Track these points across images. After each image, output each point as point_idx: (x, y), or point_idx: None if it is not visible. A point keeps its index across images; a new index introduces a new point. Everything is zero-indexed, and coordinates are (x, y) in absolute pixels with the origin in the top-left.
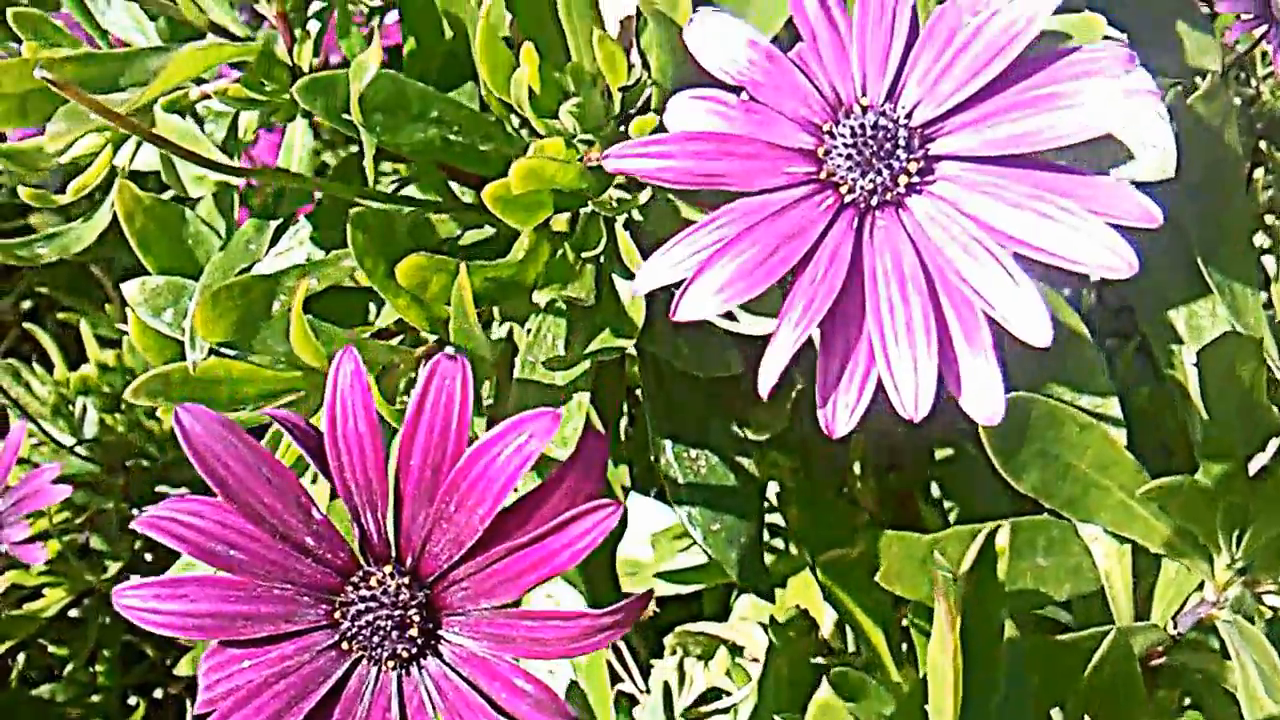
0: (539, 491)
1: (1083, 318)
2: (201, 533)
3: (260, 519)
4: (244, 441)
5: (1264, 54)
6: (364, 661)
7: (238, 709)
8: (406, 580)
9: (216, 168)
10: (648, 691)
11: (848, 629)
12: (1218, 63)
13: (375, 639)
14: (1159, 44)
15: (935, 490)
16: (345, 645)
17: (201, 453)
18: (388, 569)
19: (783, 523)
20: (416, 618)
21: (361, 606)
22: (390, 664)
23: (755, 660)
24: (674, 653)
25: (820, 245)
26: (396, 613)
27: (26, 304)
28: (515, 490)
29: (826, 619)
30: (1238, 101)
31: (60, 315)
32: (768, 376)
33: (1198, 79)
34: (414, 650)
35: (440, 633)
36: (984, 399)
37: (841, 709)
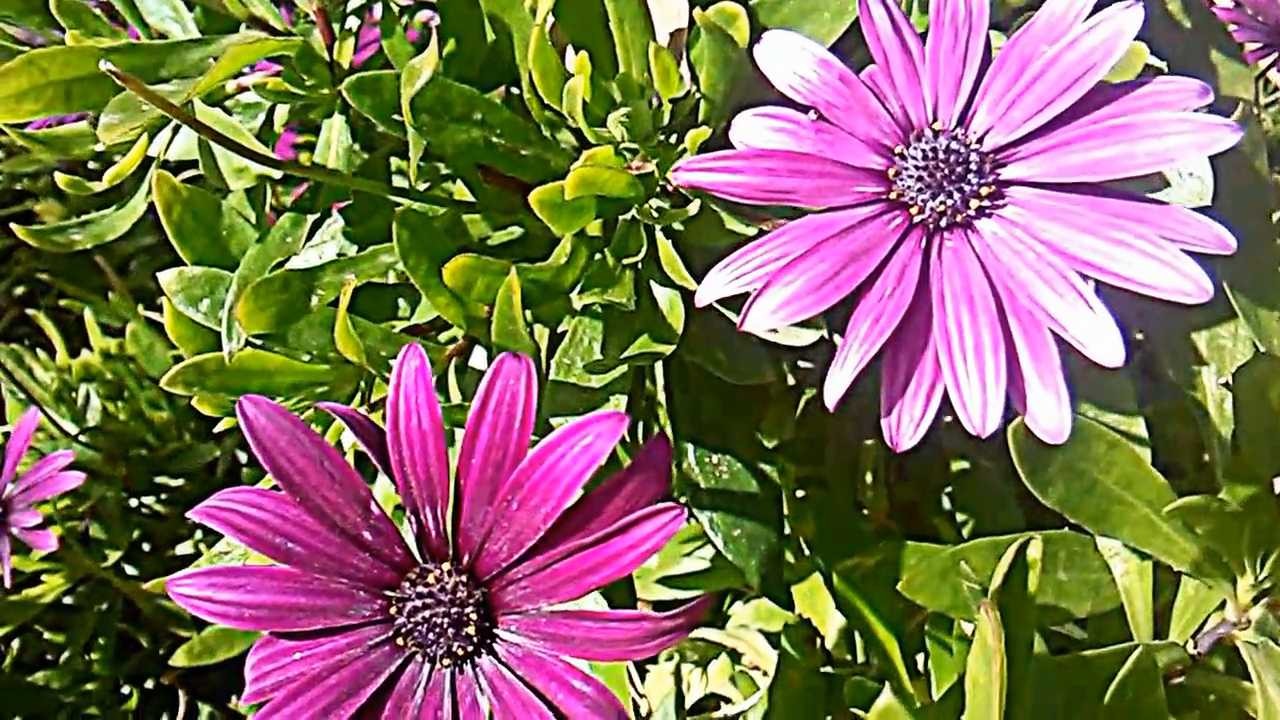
0: (602, 493)
1: None
2: (260, 524)
3: (320, 512)
4: (306, 434)
5: (1268, 83)
6: (417, 658)
7: (289, 701)
8: (464, 578)
9: (265, 161)
10: (644, 696)
11: (856, 639)
12: (1250, 91)
13: (431, 635)
14: (1192, 72)
15: (945, 503)
16: (400, 641)
17: (265, 444)
18: (445, 566)
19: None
20: (474, 615)
21: (419, 603)
22: (445, 661)
23: (755, 668)
24: (670, 658)
25: (888, 264)
26: (454, 610)
27: (20, 289)
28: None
29: (831, 628)
30: None
31: (63, 302)
32: (834, 391)
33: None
34: (470, 648)
35: (496, 631)
36: (1050, 418)
37: (904, 713)
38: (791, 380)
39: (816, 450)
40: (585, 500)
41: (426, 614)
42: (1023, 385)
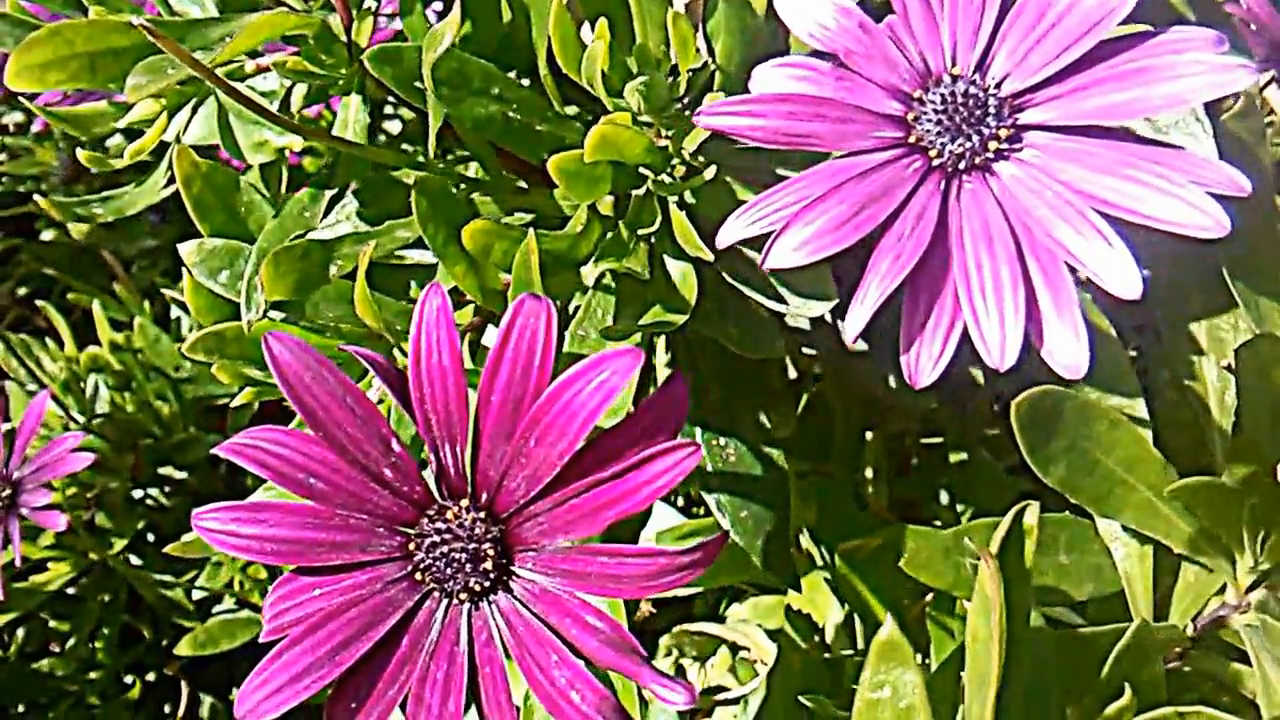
0: (618, 430)
1: None
2: (284, 460)
3: (342, 448)
4: (330, 370)
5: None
6: (435, 594)
7: (307, 635)
8: (482, 515)
9: (288, 128)
10: None
11: (857, 629)
12: (1255, 84)
13: (449, 571)
14: None
15: (944, 499)
16: (418, 577)
17: (290, 380)
18: (464, 503)
19: None
20: (491, 552)
21: (437, 539)
22: (462, 597)
23: (756, 661)
24: (669, 653)
25: (907, 205)
26: (471, 546)
27: (23, 290)
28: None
29: (830, 623)
30: None
31: (70, 296)
32: (854, 326)
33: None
34: (486, 584)
35: (513, 568)
36: (1067, 352)
37: (906, 646)
38: (794, 374)
39: (818, 445)
40: (602, 437)
41: (444, 550)
42: (1040, 321)
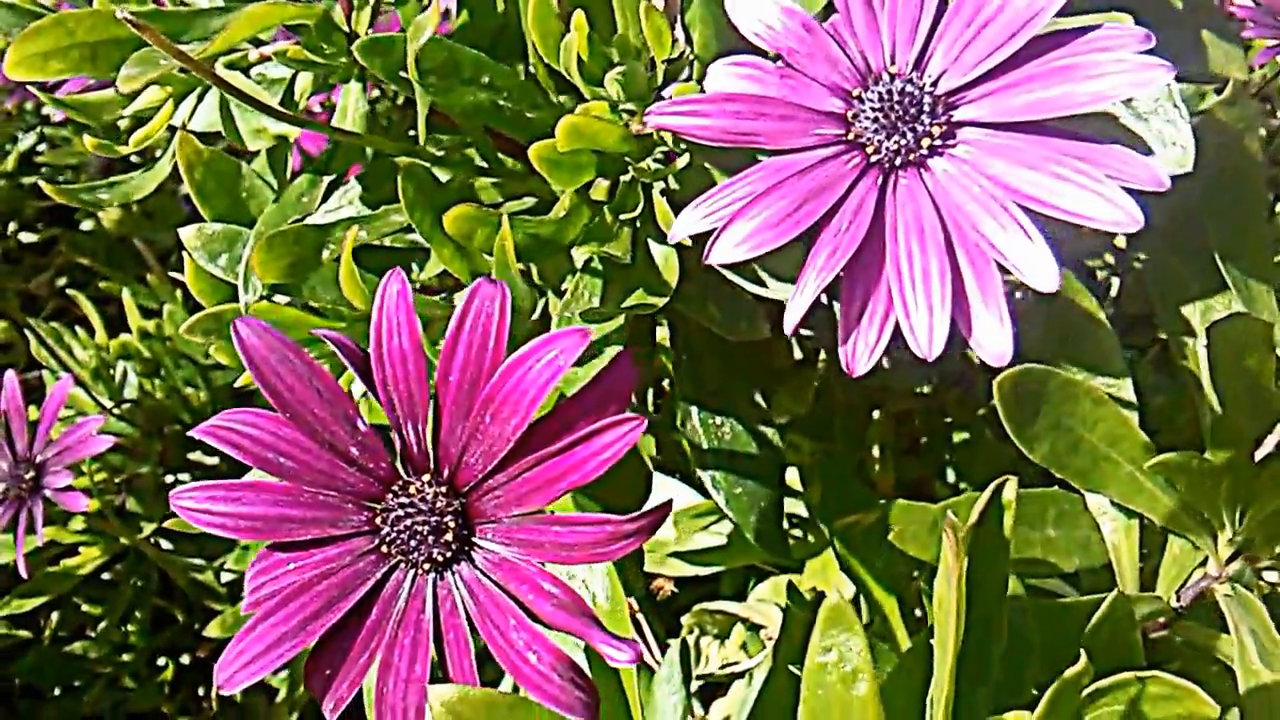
0: (569, 406)
1: None
2: (256, 441)
3: (310, 428)
4: (297, 355)
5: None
6: (401, 565)
7: (281, 606)
8: (444, 489)
9: (282, 117)
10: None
11: (863, 604)
12: (1243, 72)
13: (413, 543)
14: (1188, 53)
15: (951, 477)
16: (384, 549)
17: (258, 363)
18: (426, 478)
19: (801, 510)
20: (452, 524)
21: (401, 513)
22: (426, 567)
23: (772, 639)
24: (690, 631)
25: (845, 200)
26: (434, 519)
27: (61, 280)
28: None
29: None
30: (1261, 132)
31: (103, 285)
32: (792, 316)
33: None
34: (449, 555)
35: (474, 539)
36: (993, 341)
37: (851, 612)
38: (799, 354)
39: (825, 425)
40: (553, 413)
41: (408, 523)
42: (969, 312)
